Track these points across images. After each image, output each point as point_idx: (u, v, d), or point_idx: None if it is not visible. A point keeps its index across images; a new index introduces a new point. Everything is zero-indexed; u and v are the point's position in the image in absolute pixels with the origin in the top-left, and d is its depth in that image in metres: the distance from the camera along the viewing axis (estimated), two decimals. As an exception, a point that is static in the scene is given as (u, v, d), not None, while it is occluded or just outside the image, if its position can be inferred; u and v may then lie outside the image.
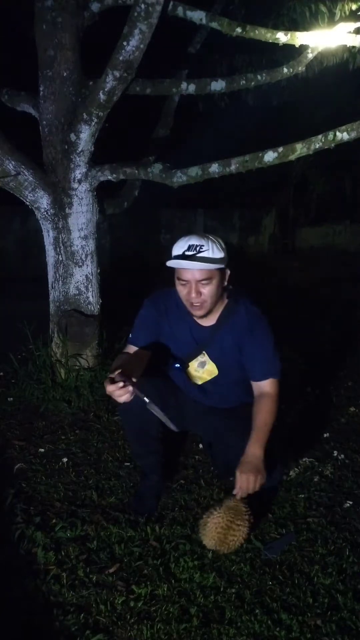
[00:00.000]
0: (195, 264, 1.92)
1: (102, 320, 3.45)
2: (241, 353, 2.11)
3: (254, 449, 1.92)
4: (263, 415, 2.00)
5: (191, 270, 1.94)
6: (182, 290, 2.01)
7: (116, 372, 1.79)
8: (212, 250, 1.95)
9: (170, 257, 1.97)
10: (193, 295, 1.97)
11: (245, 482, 1.86)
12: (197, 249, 1.94)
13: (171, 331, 2.15)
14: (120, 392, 1.77)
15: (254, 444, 1.94)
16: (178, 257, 1.96)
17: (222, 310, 2.11)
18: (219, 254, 1.97)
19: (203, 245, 1.95)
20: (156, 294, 2.21)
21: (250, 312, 2.11)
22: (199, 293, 1.97)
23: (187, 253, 1.94)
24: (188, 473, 2.46)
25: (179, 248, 1.97)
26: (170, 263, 1.97)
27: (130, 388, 1.78)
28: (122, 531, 1.99)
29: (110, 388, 1.78)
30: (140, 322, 2.17)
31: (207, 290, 1.98)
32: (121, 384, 1.77)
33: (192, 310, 2.04)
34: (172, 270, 2.00)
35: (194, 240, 1.96)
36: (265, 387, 2.06)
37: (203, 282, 1.96)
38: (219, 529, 1.83)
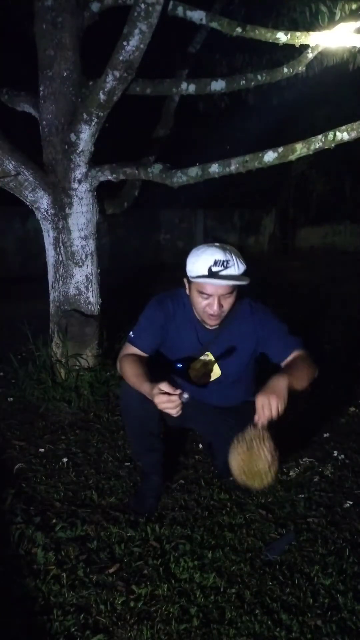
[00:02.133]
0: (226, 282, 1.90)
1: (102, 320, 3.45)
2: (255, 347, 2.11)
3: (278, 377, 1.79)
4: (296, 362, 1.95)
5: (216, 285, 1.92)
6: (200, 302, 1.98)
7: (164, 383, 1.70)
8: (237, 265, 1.92)
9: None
10: (215, 308, 1.96)
11: (262, 405, 1.70)
12: (224, 264, 1.90)
13: (177, 334, 2.12)
14: (173, 405, 1.68)
15: (280, 374, 1.82)
16: (204, 276, 1.90)
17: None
18: (242, 267, 1.94)
19: (229, 261, 1.90)
20: (163, 295, 2.17)
21: (254, 308, 2.12)
22: (220, 306, 1.96)
23: (213, 269, 1.90)
24: (188, 473, 2.46)
25: (203, 263, 1.91)
26: (198, 280, 1.92)
27: (180, 400, 1.68)
28: (122, 531, 1.99)
29: (162, 401, 1.67)
30: (145, 324, 2.11)
31: (228, 303, 1.98)
32: (178, 391, 1.68)
33: (207, 320, 2.03)
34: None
35: (218, 255, 1.90)
36: (292, 357, 2.01)
37: (226, 295, 1.95)
38: (239, 460, 1.73)
